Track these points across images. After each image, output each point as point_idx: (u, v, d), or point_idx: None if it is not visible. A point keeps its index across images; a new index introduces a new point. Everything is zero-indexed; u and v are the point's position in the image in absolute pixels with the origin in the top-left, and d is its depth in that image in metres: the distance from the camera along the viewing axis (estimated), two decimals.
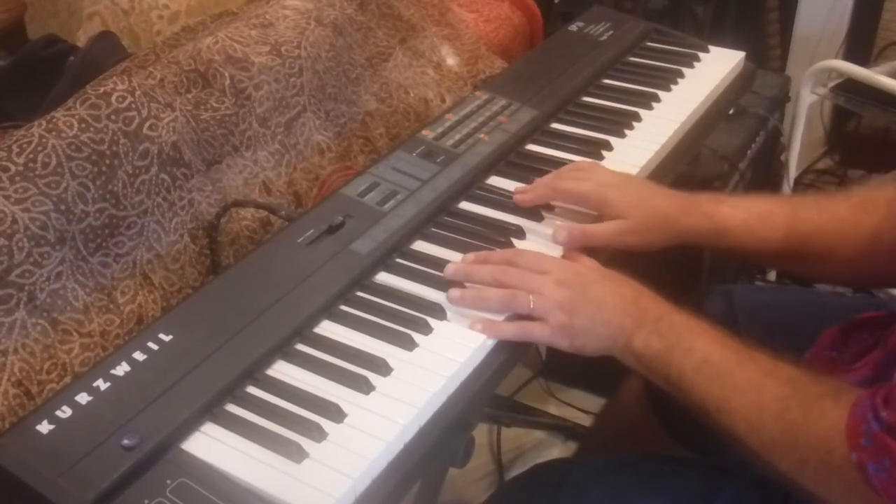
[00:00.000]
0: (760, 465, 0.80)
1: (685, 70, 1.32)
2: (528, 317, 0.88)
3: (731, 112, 1.61)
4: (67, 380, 0.82)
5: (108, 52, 1.14)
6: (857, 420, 0.72)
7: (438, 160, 1.07)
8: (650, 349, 0.85)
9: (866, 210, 0.99)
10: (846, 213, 1.00)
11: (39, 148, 0.86)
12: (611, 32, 1.39)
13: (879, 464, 0.70)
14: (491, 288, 0.89)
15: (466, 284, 0.91)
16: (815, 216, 1.00)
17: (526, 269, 0.91)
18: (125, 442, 0.71)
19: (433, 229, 1.00)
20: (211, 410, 0.77)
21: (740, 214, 1.00)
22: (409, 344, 0.84)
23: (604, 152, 1.14)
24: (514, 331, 0.87)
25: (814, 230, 1.00)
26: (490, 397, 1.10)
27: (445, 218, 1.02)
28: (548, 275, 0.89)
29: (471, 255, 0.94)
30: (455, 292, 0.89)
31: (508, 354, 0.87)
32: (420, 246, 0.98)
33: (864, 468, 0.71)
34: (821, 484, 0.75)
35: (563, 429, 1.81)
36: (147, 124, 0.94)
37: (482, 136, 1.13)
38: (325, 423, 0.76)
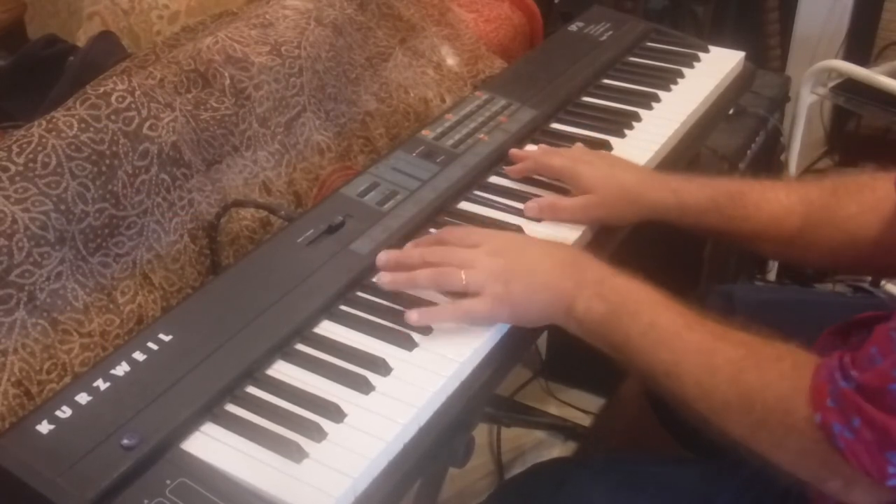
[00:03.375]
0: (710, 429, 0.78)
1: (685, 70, 1.32)
2: (465, 295, 0.86)
3: (731, 112, 1.61)
4: (67, 380, 0.82)
5: (108, 52, 1.14)
6: (823, 380, 0.71)
7: (438, 160, 1.07)
8: (593, 312, 0.83)
9: (836, 194, 0.99)
10: (815, 196, 1.00)
11: (39, 148, 0.86)
12: (611, 32, 1.39)
13: (847, 424, 0.68)
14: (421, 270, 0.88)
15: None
16: (782, 197, 1.00)
17: (456, 245, 0.89)
18: (125, 442, 0.71)
19: (432, 230, 1.00)
20: (211, 410, 0.77)
21: (707, 192, 1.01)
22: (409, 344, 0.84)
23: (604, 152, 1.14)
24: (451, 312, 0.85)
25: (780, 210, 1.00)
26: (490, 397, 1.10)
27: (445, 218, 1.02)
28: (479, 247, 0.88)
29: (409, 244, 0.93)
30: (385, 276, 0.88)
31: (508, 354, 0.87)
32: None
33: (828, 428, 0.69)
34: (776, 446, 0.74)
35: (563, 429, 1.81)
36: (147, 124, 0.94)
37: (482, 136, 1.12)
38: (325, 423, 0.76)
